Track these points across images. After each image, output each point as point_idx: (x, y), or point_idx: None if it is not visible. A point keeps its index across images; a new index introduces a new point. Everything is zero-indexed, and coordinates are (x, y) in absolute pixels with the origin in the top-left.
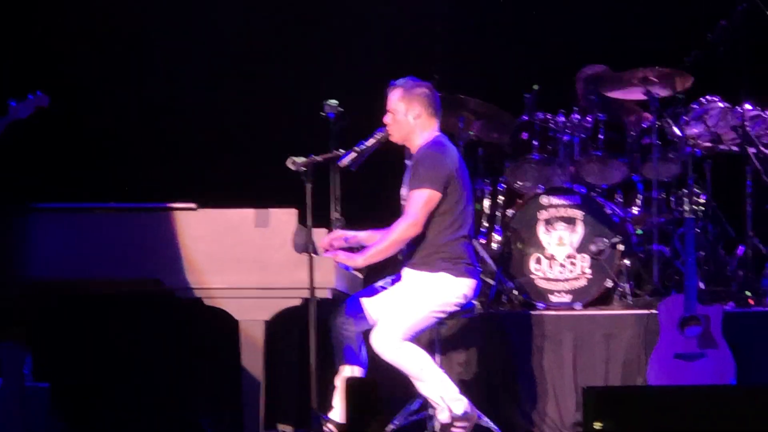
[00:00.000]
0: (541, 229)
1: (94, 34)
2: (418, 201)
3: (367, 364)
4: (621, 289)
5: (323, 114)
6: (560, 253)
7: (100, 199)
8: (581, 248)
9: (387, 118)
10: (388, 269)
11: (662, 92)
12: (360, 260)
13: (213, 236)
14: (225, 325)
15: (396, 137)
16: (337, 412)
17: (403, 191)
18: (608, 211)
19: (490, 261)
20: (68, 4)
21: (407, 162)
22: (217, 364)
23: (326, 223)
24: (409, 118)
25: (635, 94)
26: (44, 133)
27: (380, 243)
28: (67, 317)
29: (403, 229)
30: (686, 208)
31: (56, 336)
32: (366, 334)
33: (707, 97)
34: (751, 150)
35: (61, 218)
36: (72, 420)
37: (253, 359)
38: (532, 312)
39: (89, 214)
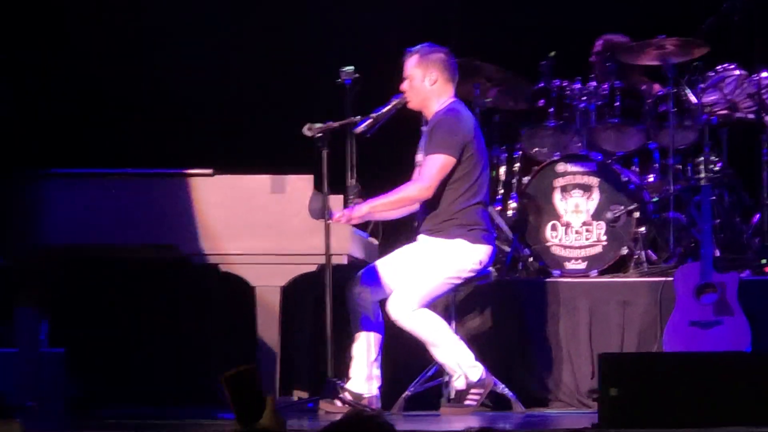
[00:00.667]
0: (557, 197)
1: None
2: (432, 166)
3: (384, 332)
4: (637, 257)
5: (339, 80)
6: (576, 220)
7: (116, 165)
8: (597, 215)
9: (404, 85)
10: (403, 237)
11: (678, 59)
12: (365, 207)
13: (229, 202)
14: (241, 291)
15: (413, 103)
16: (354, 381)
17: (419, 157)
18: (624, 179)
19: (505, 228)
20: None
21: (423, 128)
22: (233, 330)
23: (342, 190)
24: (426, 84)
25: (651, 61)
26: (60, 98)
27: (389, 195)
28: (83, 283)
29: (415, 190)
30: (702, 175)
31: (72, 302)
32: (382, 302)
33: (724, 65)
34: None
35: (77, 184)
36: (88, 386)
37: (269, 325)
38: (548, 279)
39: (105, 180)
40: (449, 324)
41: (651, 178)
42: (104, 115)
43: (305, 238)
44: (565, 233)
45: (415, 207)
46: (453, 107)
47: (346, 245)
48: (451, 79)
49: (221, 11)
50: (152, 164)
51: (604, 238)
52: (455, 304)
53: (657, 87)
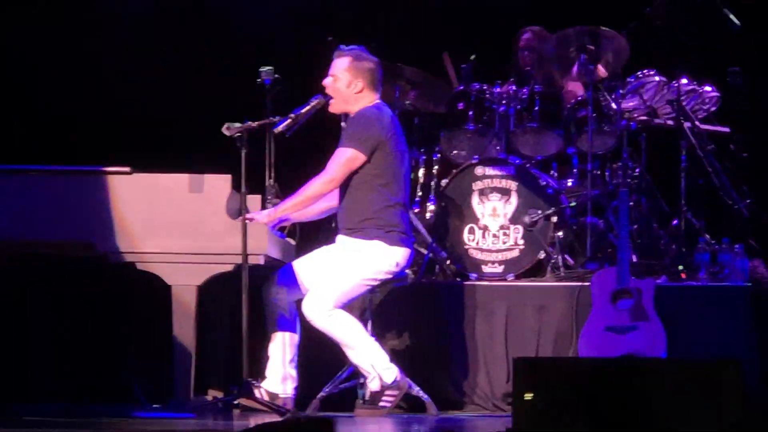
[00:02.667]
0: (475, 200)
1: None
2: (338, 159)
3: (300, 332)
4: (554, 261)
5: (259, 80)
6: (494, 223)
7: (33, 162)
8: (515, 219)
9: (327, 81)
10: (321, 238)
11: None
12: (274, 212)
13: (147, 200)
14: (157, 290)
15: (334, 106)
16: (270, 381)
17: None
18: (542, 183)
19: (423, 231)
20: None
21: (343, 125)
22: (149, 329)
23: (261, 190)
24: (351, 90)
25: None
26: None
27: (295, 196)
28: None
29: (319, 184)
30: (620, 181)
31: None
32: (299, 302)
33: (644, 71)
34: (687, 124)
35: None
36: (4, 383)
37: (184, 324)
38: (465, 282)
39: (22, 176)
40: (365, 325)
41: (569, 182)
42: (21, 111)
43: (222, 237)
44: (483, 237)
45: (334, 207)
46: (376, 106)
47: (263, 245)
48: (376, 90)
49: (143, 7)
50: (70, 161)
51: (522, 242)
52: (371, 306)
53: (580, 88)
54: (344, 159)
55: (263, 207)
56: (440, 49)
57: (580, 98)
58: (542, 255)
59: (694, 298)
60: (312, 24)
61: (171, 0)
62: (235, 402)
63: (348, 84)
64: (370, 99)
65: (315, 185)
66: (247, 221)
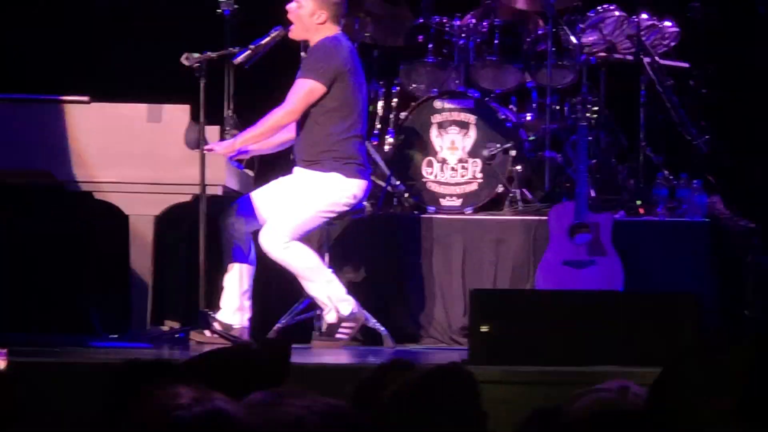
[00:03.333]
0: (433, 133)
1: None
2: (299, 90)
3: (256, 264)
4: (512, 195)
5: (219, 11)
6: (452, 157)
7: None
8: (473, 153)
9: (291, 6)
10: (279, 170)
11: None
12: (236, 142)
13: (105, 130)
14: (115, 220)
15: (295, 33)
16: (224, 312)
17: None
18: (501, 117)
19: (382, 163)
20: None
21: (303, 55)
22: (106, 259)
23: (219, 121)
24: (313, 20)
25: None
26: None
27: (255, 127)
28: None
29: (280, 116)
30: (579, 115)
31: None
32: (255, 234)
33: (604, 5)
34: (646, 60)
35: None
36: None
37: (141, 254)
38: (423, 215)
39: None
40: (322, 258)
41: (528, 117)
42: None
43: (180, 167)
44: (441, 170)
45: (293, 139)
46: (335, 37)
47: (221, 176)
48: (338, 23)
49: None
50: (28, 89)
51: (480, 175)
52: (329, 238)
53: (541, 21)
54: (304, 90)
55: (222, 138)
56: None
57: (540, 32)
58: (500, 189)
59: (652, 234)
60: None
61: None
62: (190, 333)
63: (311, 13)
64: (331, 31)
65: (275, 116)
66: (205, 152)
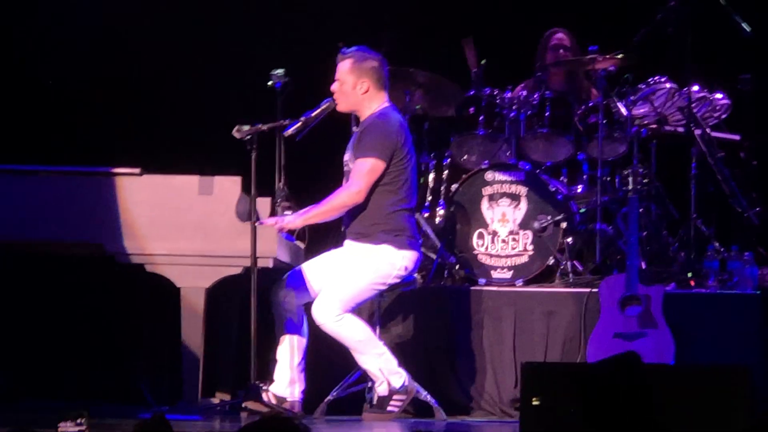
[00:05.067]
0: (484, 205)
1: None
2: (362, 169)
3: (308, 336)
4: (563, 267)
5: (270, 83)
6: (503, 229)
7: (44, 162)
8: (524, 225)
9: (334, 87)
10: (330, 241)
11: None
12: (298, 220)
13: (156, 202)
14: (166, 292)
15: (342, 107)
16: (278, 385)
17: (347, 156)
18: (552, 189)
19: (432, 235)
20: None
21: (354, 129)
22: (158, 331)
23: (270, 192)
24: (357, 91)
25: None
26: None
27: (320, 206)
28: (9, 278)
29: (346, 196)
30: (630, 187)
31: None
32: (308, 306)
33: (655, 77)
34: (697, 132)
35: (2, 179)
36: (15, 380)
37: (193, 327)
38: (473, 287)
39: (32, 177)
40: (373, 330)
41: (579, 188)
42: (33, 110)
43: (231, 240)
44: (492, 242)
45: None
46: (384, 111)
47: (272, 248)
48: (383, 88)
49: (155, 7)
50: (80, 162)
51: (531, 247)
52: (380, 310)
53: (595, 92)
54: (368, 169)
55: (272, 210)
56: (451, 53)
57: (591, 104)
58: (551, 261)
59: (702, 306)
60: (323, 27)
61: (184, 0)
62: (242, 405)
63: (353, 86)
64: (378, 99)
65: (341, 197)
66: (257, 225)
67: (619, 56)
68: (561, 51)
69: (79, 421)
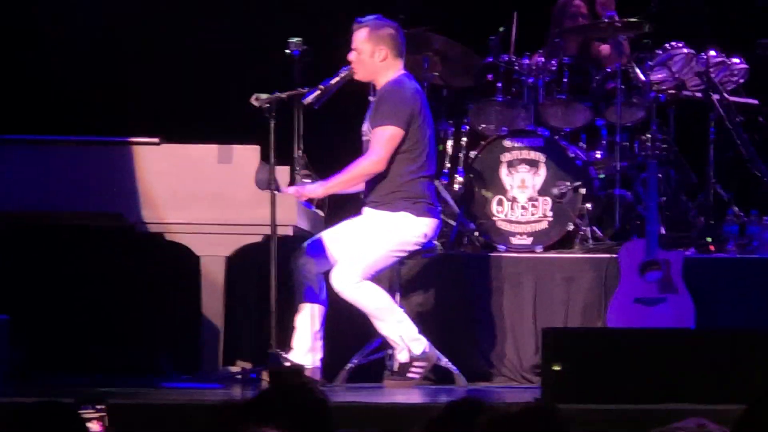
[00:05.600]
0: (503, 172)
1: None
2: (381, 138)
3: (327, 304)
4: (582, 233)
5: (288, 51)
6: (522, 195)
7: (62, 132)
8: (543, 191)
9: (351, 56)
10: (349, 209)
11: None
12: (321, 190)
13: (175, 171)
14: (185, 261)
15: (360, 75)
16: (297, 352)
17: (365, 127)
18: (571, 155)
19: (451, 202)
20: None
21: (371, 98)
22: (176, 300)
23: (289, 161)
24: (375, 59)
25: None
26: (4, 65)
27: (342, 175)
28: (27, 250)
29: (366, 165)
30: (649, 152)
31: (15, 268)
32: (327, 274)
33: (672, 42)
34: (715, 96)
35: (22, 150)
36: (32, 353)
37: (213, 295)
38: (493, 254)
39: (51, 147)
40: (393, 297)
41: (598, 154)
42: (51, 80)
43: (251, 208)
44: (511, 208)
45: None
46: (400, 79)
47: (291, 216)
48: (400, 55)
49: None
50: (99, 131)
51: (550, 213)
52: (400, 277)
53: (607, 60)
54: (388, 137)
55: (291, 178)
56: (468, 20)
57: (609, 70)
58: (571, 227)
59: (722, 271)
60: None
61: None
62: (263, 372)
63: (371, 54)
64: (395, 67)
65: (361, 165)
66: (276, 192)
67: (637, 22)
68: (579, 19)
69: (99, 406)
